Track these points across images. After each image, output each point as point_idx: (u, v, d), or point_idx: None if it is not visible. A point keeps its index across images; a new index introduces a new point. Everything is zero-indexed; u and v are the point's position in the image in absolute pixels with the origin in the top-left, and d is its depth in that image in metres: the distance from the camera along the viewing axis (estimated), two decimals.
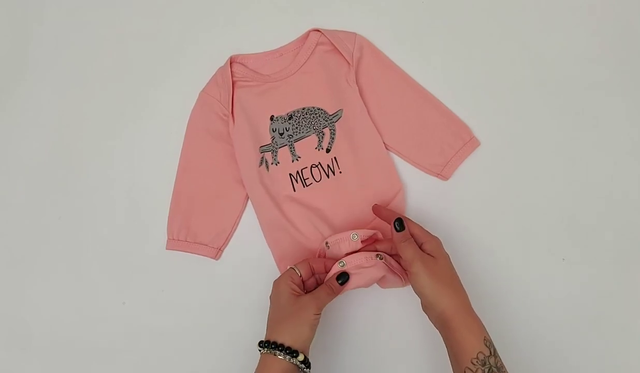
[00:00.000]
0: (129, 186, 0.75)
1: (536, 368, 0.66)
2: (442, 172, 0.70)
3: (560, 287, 0.68)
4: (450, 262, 0.59)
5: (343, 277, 0.59)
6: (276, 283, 0.60)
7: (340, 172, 0.69)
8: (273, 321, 0.58)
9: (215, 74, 0.73)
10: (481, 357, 0.52)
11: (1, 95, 0.78)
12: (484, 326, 0.55)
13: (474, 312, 0.56)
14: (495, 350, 0.54)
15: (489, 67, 0.74)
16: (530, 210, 0.70)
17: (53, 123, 0.77)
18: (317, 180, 0.69)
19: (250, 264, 0.71)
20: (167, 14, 0.79)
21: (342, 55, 0.71)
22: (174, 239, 0.71)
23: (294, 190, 0.69)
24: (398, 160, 0.72)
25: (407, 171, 0.71)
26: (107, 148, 0.76)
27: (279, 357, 0.54)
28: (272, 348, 0.54)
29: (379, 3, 0.76)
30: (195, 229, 0.71)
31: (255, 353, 0.57)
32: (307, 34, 0.73)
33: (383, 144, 0.70)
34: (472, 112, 0.72)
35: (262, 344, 0.56)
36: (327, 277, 0.60)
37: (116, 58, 0.78)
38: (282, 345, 0.55)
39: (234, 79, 0.72)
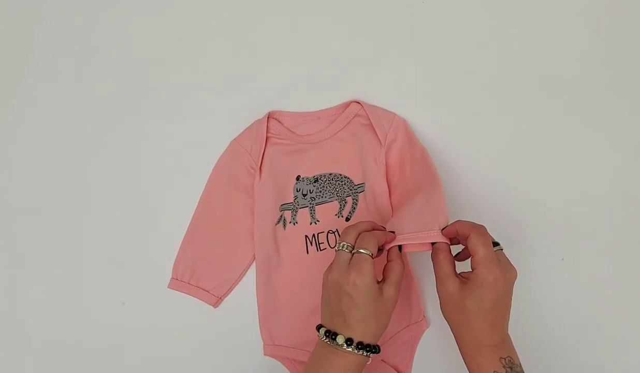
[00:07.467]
0: (129, 186, 0.75)
1: (536, 368, 0.66)
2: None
3: (560, 287, 0.68)
4: (497, 294, 0.51)
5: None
6: (360, 278, 0.51)
7: None
8: (356, 319, 0.52)
9: (250, 126, 0.73)
10: None
11: (1, 95, 0.78)
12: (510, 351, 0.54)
13: (490, 347, 0.53)
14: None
15: (490, 67, 0.74)
16: (530, 210, 0.69)
17: (53, 123, 0.77)
18: (332, 247, 0.68)
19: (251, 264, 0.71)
20: (167, 12, 0.79)
21: (376, 133, 0.70)
22: (177, 279, 0.70)
23: (307, 252, 0.68)
24: None
25: None
26: (108, 148, 0.76)
27: (358, 354, 0.52)
28: (363, 349, 0.52)
29: (379, 3, 0.76)
30: (200, 273, 0.70)
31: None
32: (348, 104, 0.73)
33: None
34: (472, 111, 0.72)
35: (347, 343, 0.52)
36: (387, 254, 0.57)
37: (117, 58, 0.78)
38: (365, 343, 0.52)
39: (268, 134, 0.72)
